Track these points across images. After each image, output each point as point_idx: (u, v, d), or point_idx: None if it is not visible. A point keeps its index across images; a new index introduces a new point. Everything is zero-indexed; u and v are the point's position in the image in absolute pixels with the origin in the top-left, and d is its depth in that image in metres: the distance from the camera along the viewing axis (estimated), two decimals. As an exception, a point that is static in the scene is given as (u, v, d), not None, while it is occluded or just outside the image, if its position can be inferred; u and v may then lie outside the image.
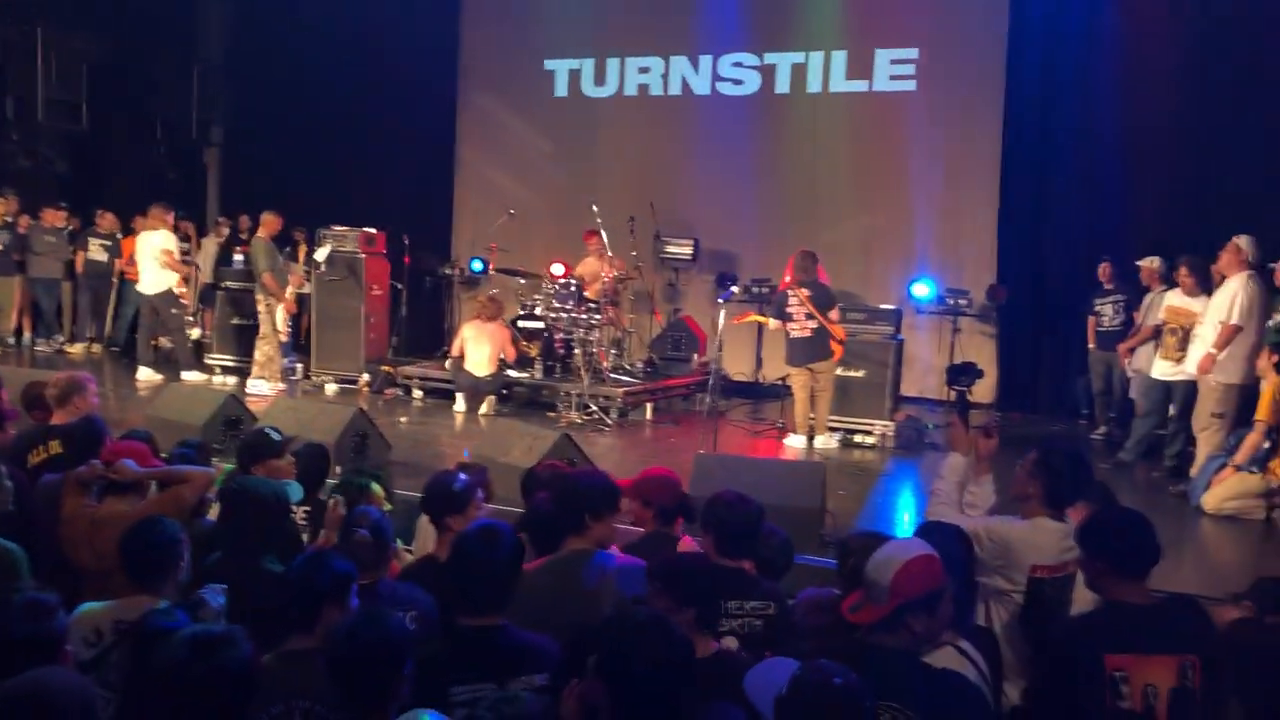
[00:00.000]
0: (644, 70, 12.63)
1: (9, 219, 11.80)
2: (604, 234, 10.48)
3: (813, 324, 8.45)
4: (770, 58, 12.02)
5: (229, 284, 11.20)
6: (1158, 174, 10.03)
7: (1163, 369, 7.98)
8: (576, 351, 9.71)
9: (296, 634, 2.82)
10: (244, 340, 10.71)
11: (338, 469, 6.14)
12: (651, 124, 12.57)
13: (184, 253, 12.81)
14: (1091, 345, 9.47)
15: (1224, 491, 6.83)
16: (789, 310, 8.55)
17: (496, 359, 9.74)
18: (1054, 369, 10.82)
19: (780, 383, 10.38)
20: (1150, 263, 8.92)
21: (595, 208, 10.44)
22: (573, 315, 9.80)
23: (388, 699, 2.43)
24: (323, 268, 10.64)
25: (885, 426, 8.89)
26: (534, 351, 10.18)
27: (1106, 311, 9.28)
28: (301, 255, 10.83)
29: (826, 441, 8.64)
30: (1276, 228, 8.58)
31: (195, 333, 11.88)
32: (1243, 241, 7.29)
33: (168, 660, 2.24)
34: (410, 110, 13.36)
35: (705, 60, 12.30)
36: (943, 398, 10.29)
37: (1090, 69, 10.41)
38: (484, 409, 9.58)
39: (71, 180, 13.40)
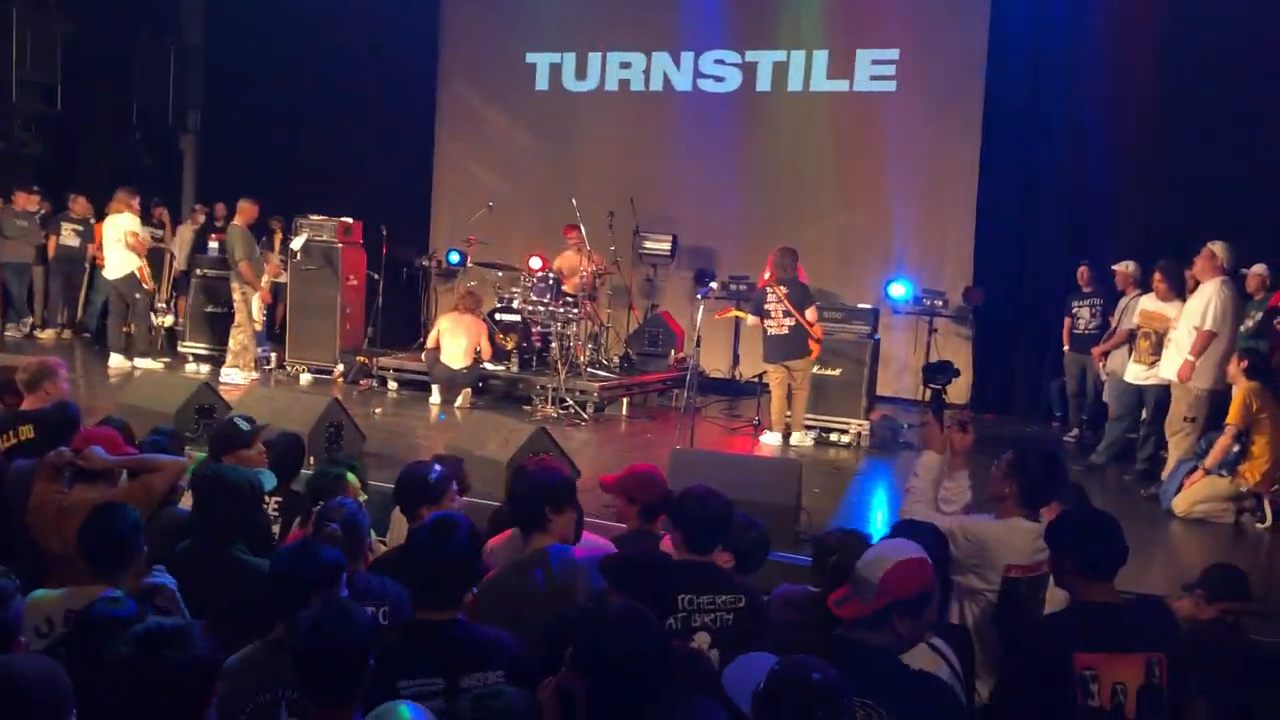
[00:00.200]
0: (625, 65, 12.61)
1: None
2: (583, 228, 10.47)
3: (790, 322, 8.47)
4: (752, 55, 12.03)
5: (203, 272, 11.11)
6: (1135, 178, 10.12)
7: (1136, 373, 8.05)
8: (553, 345, 9.69)
9: (282, 623, 2.79)
10: (217, 328, 10.64)
11: (312, 459, 6.12)
12: (632, 119, 12.56)
13: (158, 239, 12.73)
14: (1066, 348, 9.53)
15: (1194, 495, 6.90)
16: (767, 307, 8.57)
17: (472, 351, 9.70)
18: (1028, 371, 10.89)
19: (756, 380, 10.41)
20: (1125, 267, 8.99)
21: (575, 202, 10.42)
22: (550, 309, 9.79)
23: (352, 690, 2.41)
24: (299, 257, 10.57)
25: (861, 425, 8.93)
26: (511, 345, 10.15)
27: (1083, 314, 9.35)
28: (277, 244, 10.75)
29: (802, 439, 8.67)
30: (1250, 233, 8.70)
31: (169, 320, 11.78)
32: (1217, 247, 7.36)
33: (115, 657, 2.18)
34: (390, 101, 13.28)
35: (687, 57, 12.30)
36: (918, 398, 10.35)
37: (1070, 73, 10.48)
38: (460, 401, 9.55)
39: (45, 164, 13.24)
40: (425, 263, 12.19)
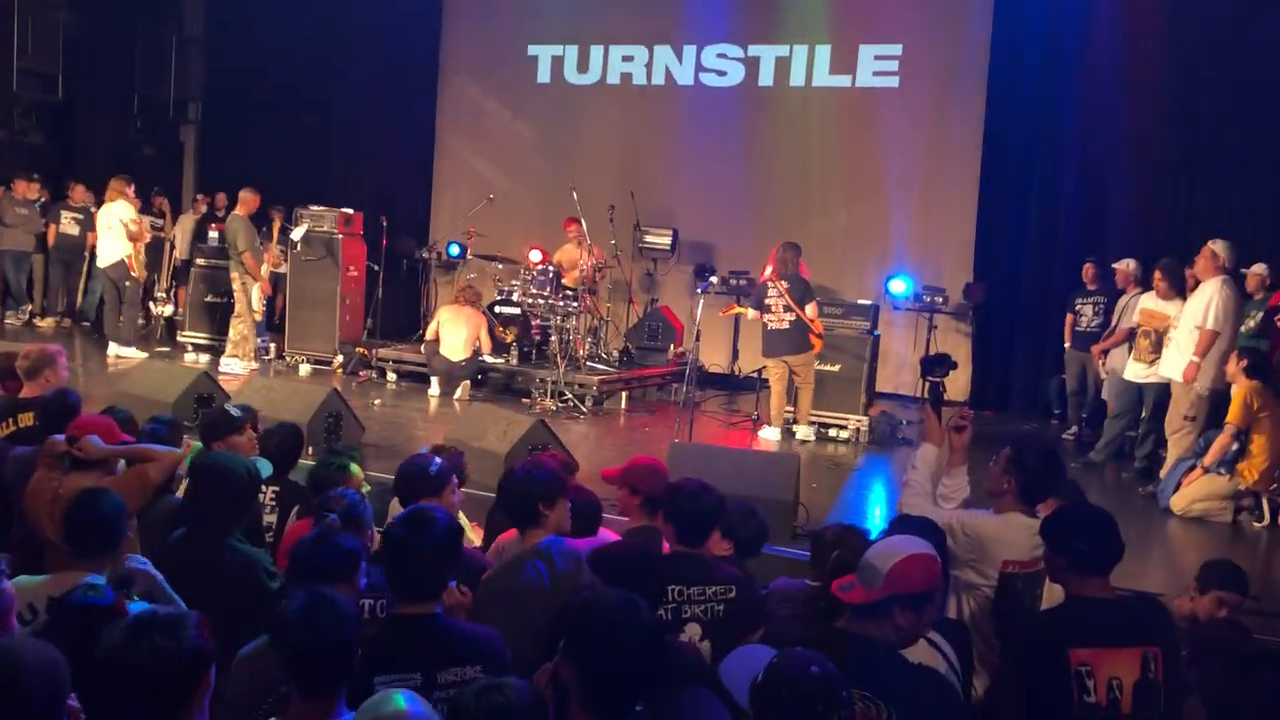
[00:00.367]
0: (628, 59, 12.59)
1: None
2: (583, 222, 10.46)
3: (790, 317, 8.47)
4: (754, 50, 12.01)
5: (203, 261, 11.11)
6: (1137, 175, 10.11)
7: (1135, 371, 8.05)
8: (553, 338, 9.69)
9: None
10: (217, 318, 10.64)
11: (310, 450, 6.12)
12: (634, 113, 12.54)
13: (158, 229, 12.73)
14: (1068, 345, 9.52)
15: (1192, 493, 6.90)
16: (768, 302, 8.56)
17: (472, 344, 9.70)
18: (1028, 369, 10.89)
19: (755, 375, 10.41)
20: (1126, 265, 8.99)
21: (575, 195, 10.41)
22: (550, 302, 9.78)
23: (336, 680, 2.41)
24: (299, 247, 10.56)
25: (859, 421, 8.93)
26: (510, 337, 10.15)
27: (1086, 312, 9.34)
28: (276, 234, 10.74)
29: (808, 434, 8.65)
30: (1250, 233, 8.69)
31: (168, 309, 11.77)
32: (1218, 246, 7.36)
33: (108, 645, 2.18)
34: (391, 92, 13.27)
35: (689, 51, 12.28)
36: (917, 394, 10.33)
37: (1073, 70, 10.45)
38: (459, 393, 9.55)
39: (45, 152, 13.22)
40: (425, 254, 12.18)
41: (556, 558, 3.36)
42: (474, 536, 4.43)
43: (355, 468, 4.12)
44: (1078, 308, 9.42)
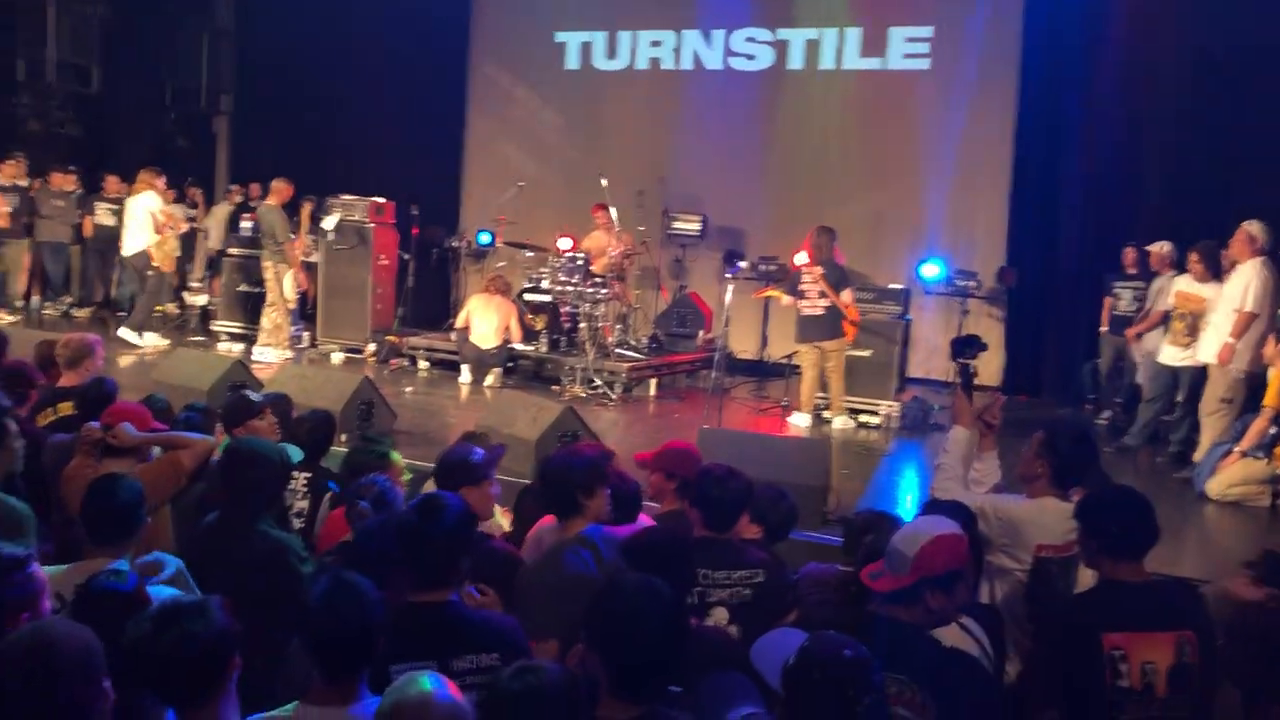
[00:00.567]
0: (656, 44, 12.56)
1: (18, 182, 11.79)
2: (612, 208, 10.45)
3: (824, 302, 8.41)
4: (784, 33, 11.95)
5: (236, 251, 11.21)
6: (1173, 157, 9.96)
7: (1171, 354, 7.95)
8: (582, 326, 9.70)
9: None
10: (250, 307, 10.73)
11: (343, 436, 6.17)
12: (662, 98, 12.51)
13: (192, 220, 12.85)
14: (1104, 328, 9.43)
15: (1229, 477, 6.82)
16: (802, 287, 8.51)
17: (502, 332, 9.73)
18: (1061, 353, 10.79)
19: (785, 361, 10.38)
20: (1160, 247, 8.88)
21: (604, 182, 10.40)
22: (579, 289, 9.79)
23: (359, 666, 2.43)
24: (331, 236, 10.63)
25: (891, 407, 8.89)
26: (539, 325, 10.17)
27: (1125, 296, 9.23)
28: (305, 223, 10.82)
29: (845, 421, 8.62)
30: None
31: (202, 299, 11.88)
32: (1254, 228, 7.25)
33: (137, 634, 2.22)
34: (420, 81, 13.31)
35: (718, 35, 12.23)
36: (949, 379, 10.26)
37: (1107, 49, 10.32)
38: (489, 381, 9.59)
39: (81, 144, 13.37)
40: (455, 243, 12.22)
41: (602, 546, 3.35)
42: (504, 522, 4.44)
43: (396, 456, 4.14)
44: (1116, 292, 9.32)
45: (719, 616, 3.34)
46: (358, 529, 3.28)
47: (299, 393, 6.26)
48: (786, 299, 8.77)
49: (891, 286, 9.46)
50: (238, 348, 10.37)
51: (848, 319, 8.47)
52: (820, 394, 8.69)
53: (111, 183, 12.15)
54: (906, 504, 6.41)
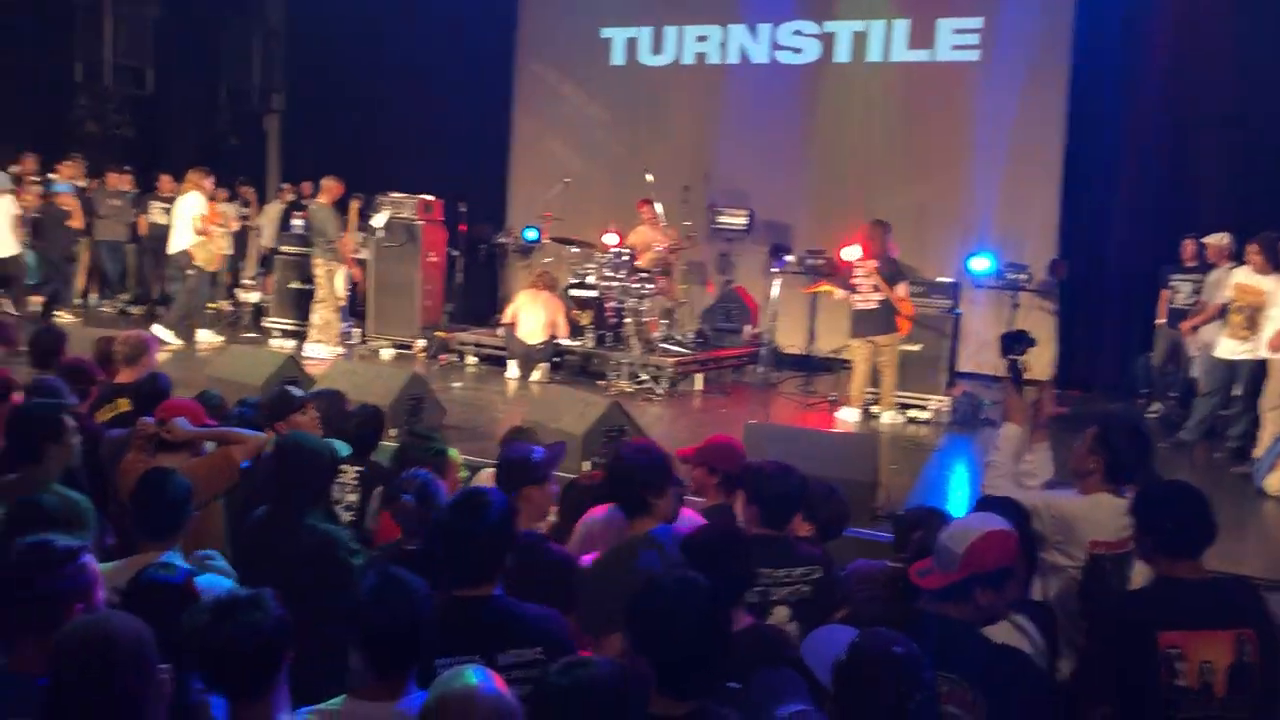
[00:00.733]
0: (702, 39, 12.52)
1: (76, 182, 12.01)
2: (658, 204, 10.44)
3: (878, 296, 8.34)
4: (830, 26, 11.86)
5: (288, 249, 11.35)
6: (1229, 147, 9.77)
7: (1229, 348, 7.79)
8: (628, 321, 9.70)
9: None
10: (302, 305, 10.86)
11: (393, 431, 6.23)
12: (708, 93, 12.47)
13: (244, 218, 13.03)
14: (1161, 320, 9.26)
15: (1290, 473, 6.68)
16: (855, 281, 8.45)
17: (549, 327, 9.77)
18: (1114, 347, 10.62)
19: (833, 355, 10.31)
20: (1219, 239, 8.70)
21: (650, 177, 10.40)
22: (625, 284, 9.79)
23: (408, 660, 2.45)
24: (380, 234, 10.73)
25: (941, 401, 8.80)
26: (585, 320, 10.19)
27: (1183, 289, 9.05)
28: (353, 220, 10.93)
29: (894, 417, 8.55)
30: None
31: (255, 296, 12.04)
32: (1316, 218, 7.09)
33: (195, 625, 2.26)
34: (468, 78, 13.37)
35: (764, 29, 12.16)
36: (999, 374, 10.13)
37: (1161, 38, 10.13)
38: (536, 376, 9.63)
39: (135, 145, 13.60)
40: (503, 239, 12.28)
41: (669, 546, 3.31)
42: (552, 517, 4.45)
43: (454, 452, 4.15)
44: (1173, 284, 9.14)
45: (780, 615, 3.33)
46: (402, 523, 3.30)
47: (349, 388, 6.31)
48: (840, 293, 8.71)
49: (941, 280, 9.36)
50: (290, 344, 10.50)
51: (902, 314, 8.39)
52: (870, 389, 8.62)
53: (165, 182, 12.35)
54: (957, 500, 6.34)
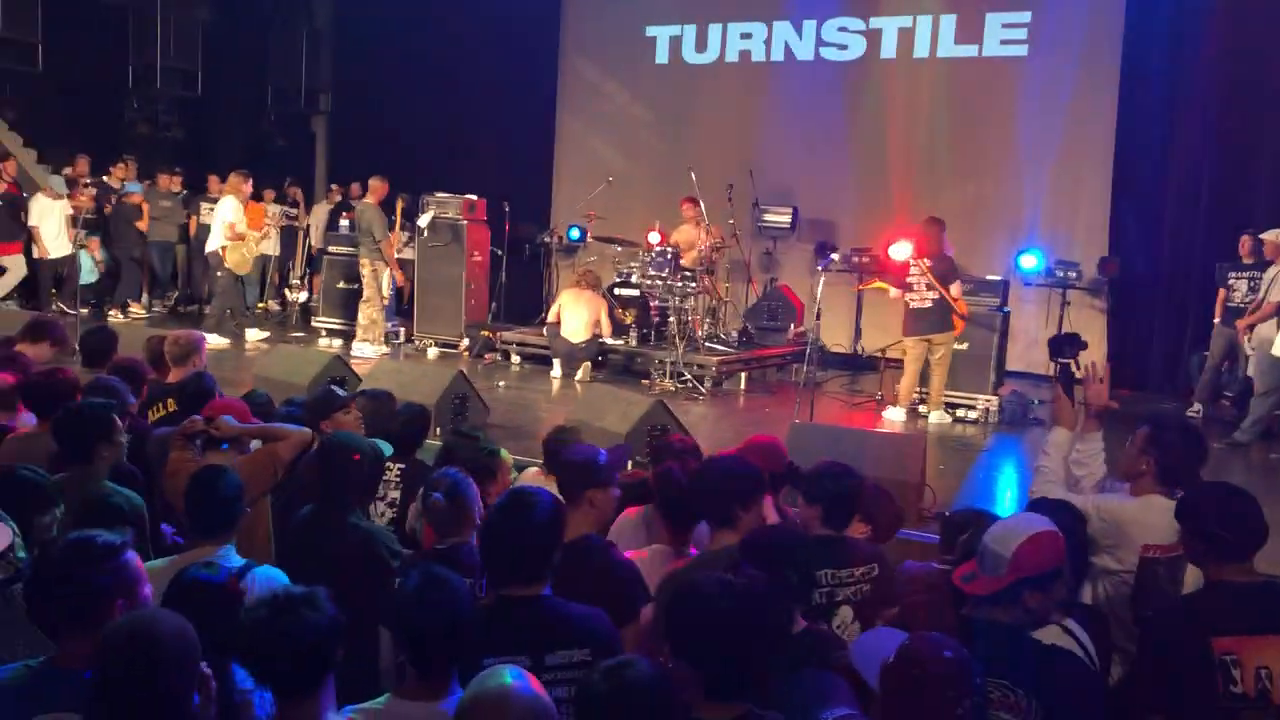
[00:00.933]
0: (746, 36, 12.47)
1: (127, 184, 12.21)
2: (701, 202, 10.42)
3: (933, 295, 8.25)
4: (876, 22, 11.76)
5: (335, 249, 11.46)
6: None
7: (1286, 346, 7.63)
8: (671, 319, 9.68)
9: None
10: (350, 304, 10.95)
11: (438, 430, 6.26)
12: (753, 91, 12.42)
13: (292, 218, 13.18)
14: (1218, 320, 9.07)
15: (1349, 475, 6.51)
16: (909, 280, 8.36)
17: (593, 326, 9.78)
18: (1166, 346, 10.44)
19: (879, 354, 10.22)
20: (1276, 235, 8.50)
21: (694, 175, 10.37)
22: (668, 283, 9.77)
23: (451, 660, 2.44)
24: (425, 234, 10.81)
25: (989, 401, 8.69)
26: (629, 319, 10.19)
27: (1240, 287, 8.86)
28: (400, 219, 11.02)
29: (941, 417, 8.46)
30: None
31: (303, 296, 12.18)
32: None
33: (253, 619, 2.27)
34: (512, 77, 13.42)
35: (809, 25, 12.09)
36: (1049, 373, 10.00)
37: (1210, 34, 9.92)
38: (580, 375, 9.64)
39: (185, 146, 13.81)
40: (546, 238, 12.31)
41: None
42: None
43: (505, 453, 4.14)
44: (1230, 282, 8.95)
45: (844, 615, 3.30)
46: (433, 522, 3.30)
47: (395, 387, 6.34)
48: (894, 291, 8.64)
49: (990, 278, 9.24)
50: (337, 343, 10.60)
51: (956, 312, 8.30)
52: (919, 388, 8.53)
53: (214, 183, 12.53)
54: (1006, 500, 6.26)
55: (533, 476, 4.51)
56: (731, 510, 3.36)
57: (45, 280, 11.41)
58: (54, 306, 11.24)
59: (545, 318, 10.44)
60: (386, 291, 10.41)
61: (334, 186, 13.83)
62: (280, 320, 12.00)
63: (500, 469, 4.03)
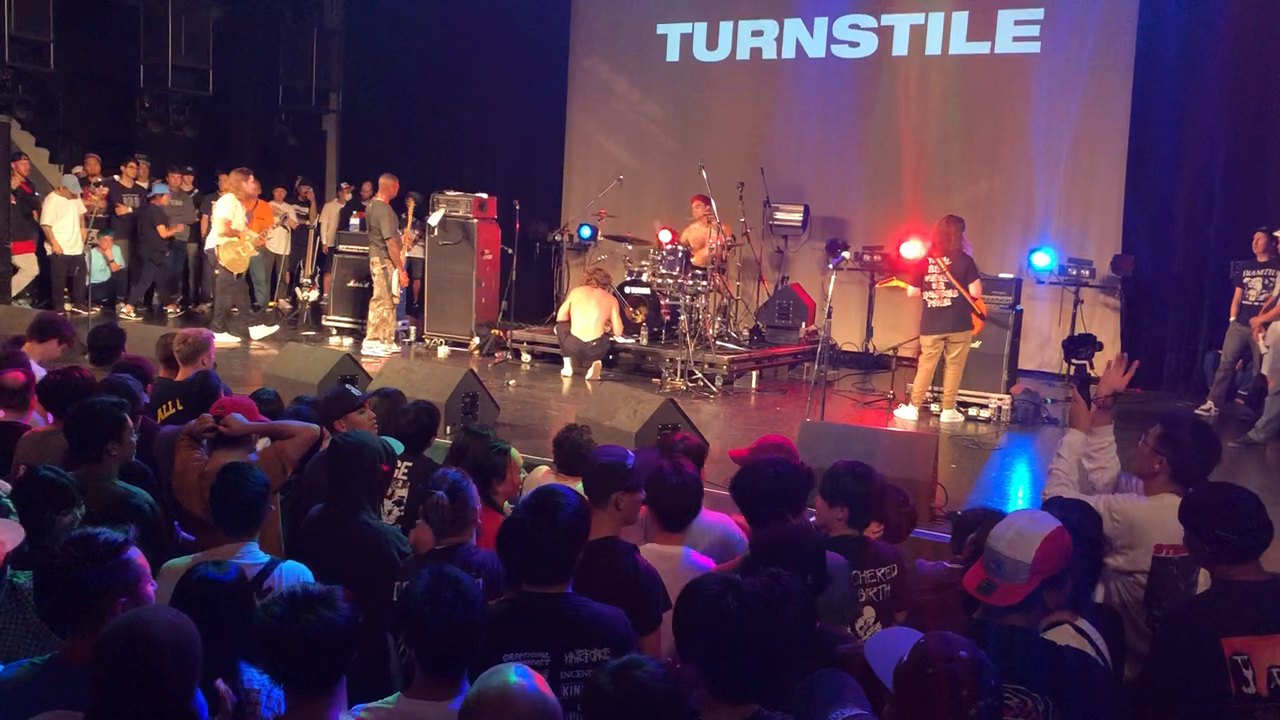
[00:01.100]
0: (757, 34, 12.44)
1: (139, 183, 12.25)
2: (712, 200, 10.40)
3: (952, 294, 8.21)
4: (888, 19, 11.72)
5: (346, 248, 11.47)
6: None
7: (1301, 345, 7.57)
8: (682, 318, 9.67)
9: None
10: (360, 303, 10.97)
11: (448, 428, 6.26)
12: (763, 88, 12.40)
13: (303, 217, 13.20)
14: (1234, 319, 9.01)
15: (1365, 475, 6.46)
16: (928, 278, 8.32)
17: (603, 324, 9.76)
18: (1180, 344, 10.38)
19: (891, 353, 10.19)
20: (1289, 233, 8.46)
21: (704, 173, 10.35)
22: (679, 282, 9.76)
23: (462, 659, 2.44)
24: (436, 232, 10.81)
25: (1002, 400, 8.65)
26: (640, 317, 10.18)
27: (1255, 285, 8.80)
28: (410, 218, 11.03)
29: (953, 416, 8.42)
30: None
31: (313, 294, 12.19)
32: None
33: (270, 616, 2.27)
34: (523, 77, 13.44)
35: (820, 22, 12.05)
36: (1062, 371, 9.96)
37: (1225, 30, 9.85)
38: (590, 373, 9.64)
39: (196, 145, 13.84)
40: (557, 237, 12.31)
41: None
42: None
43: (514, 452, 4.13)
44: (1245, 280, 8.89)
45: (867, 615, 3.31)
46: (433, 521, 3.29)
47: (405, 385, 6.35)
48: (912, 290, 8.60)
49: (1002, 276, 9.19)
50: (348, 342, 10.61)
51: (975, 311, 8.26)
52: (932, 387, 8.50)
53: (225, 182, 12.53)
54: (1018, 499, 6.23)
55: (544, 475, 4.50)
56: (784, 517, 3.35)
57: (59, 278, 11.45)
58: (65, 306, 11.29)
59: (556, 316, 10.44)
60: (395, 290, 10.42)
61: (345, 185, 13.85)
62: (291, 319, 12.02)
63: (509, 468, 4.02)
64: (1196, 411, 8.89)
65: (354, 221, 11.84)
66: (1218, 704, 2.81)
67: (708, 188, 10.37)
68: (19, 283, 11.16)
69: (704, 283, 9.81)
